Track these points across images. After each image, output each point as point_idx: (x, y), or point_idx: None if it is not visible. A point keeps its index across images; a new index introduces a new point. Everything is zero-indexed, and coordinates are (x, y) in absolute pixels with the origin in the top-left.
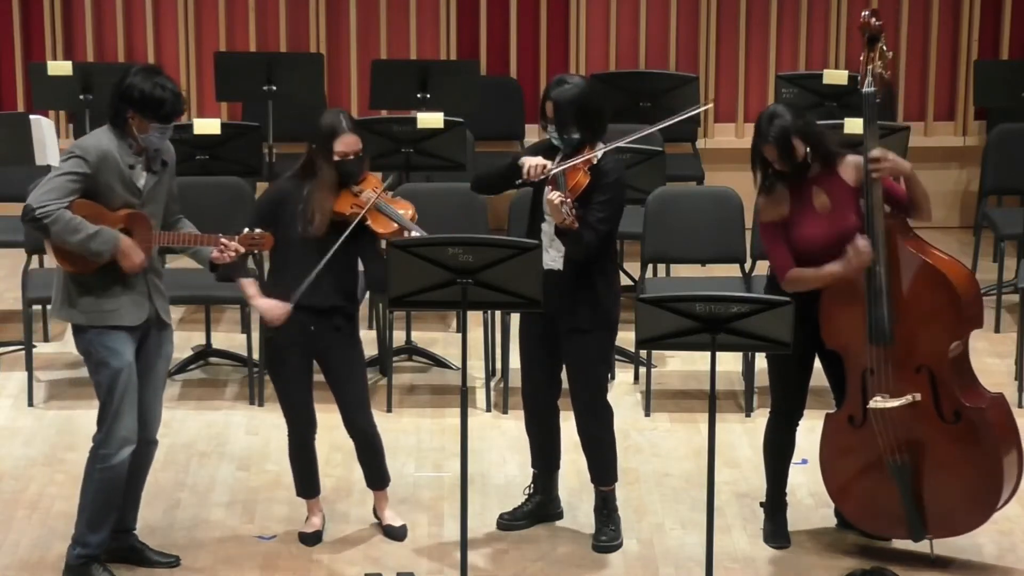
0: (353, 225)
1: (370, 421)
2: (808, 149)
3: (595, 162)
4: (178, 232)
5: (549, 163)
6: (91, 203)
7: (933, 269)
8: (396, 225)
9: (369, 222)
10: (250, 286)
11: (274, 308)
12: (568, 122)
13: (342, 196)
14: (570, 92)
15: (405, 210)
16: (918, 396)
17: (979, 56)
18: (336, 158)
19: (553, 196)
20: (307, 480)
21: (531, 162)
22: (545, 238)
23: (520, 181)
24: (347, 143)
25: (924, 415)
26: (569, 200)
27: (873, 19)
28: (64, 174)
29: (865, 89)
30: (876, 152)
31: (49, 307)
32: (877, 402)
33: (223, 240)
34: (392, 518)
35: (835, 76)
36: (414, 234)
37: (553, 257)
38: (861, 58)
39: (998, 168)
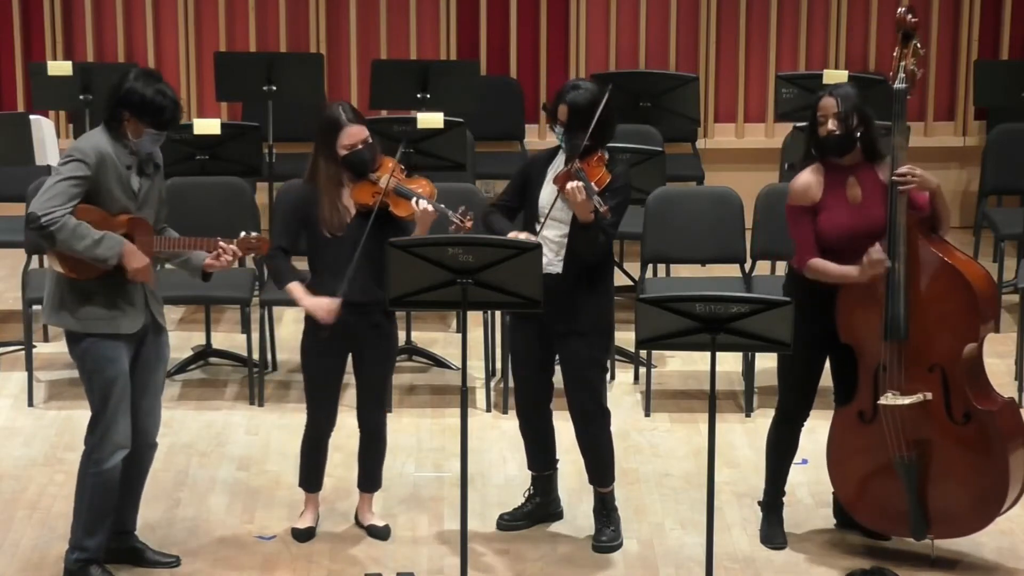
0: (375, 211)
1: (383, 416)
2: (860, 132)
3: (605, 161)
4: (176, 237)
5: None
6: (94, 208)
7: (953, 269)
8: (416, 205)
9: (391, 207)
10: (296, 289)
11: (323, 305)
12: (579, 127)
13: (363, 186)
14: (584, 97)
15: (422, 188)
16: (929, 395)
17: (979, 56)
18: (344, 152)
19: (581, 190)
20: (313, 474)
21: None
22: (541, 241)
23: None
24: (351, 135)
25: (934, 415)
26: (597, 190)
27: (909, 15)
28: (66, 179)
29: (897, 85)
30: (904, 168)
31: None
32: (888, 398)
33: (221, 244)
34: (375, 519)
35: (835, 76)
36: (424, 205)
37: (550, 260)
38: (894, 54)
39: (998, 168)
